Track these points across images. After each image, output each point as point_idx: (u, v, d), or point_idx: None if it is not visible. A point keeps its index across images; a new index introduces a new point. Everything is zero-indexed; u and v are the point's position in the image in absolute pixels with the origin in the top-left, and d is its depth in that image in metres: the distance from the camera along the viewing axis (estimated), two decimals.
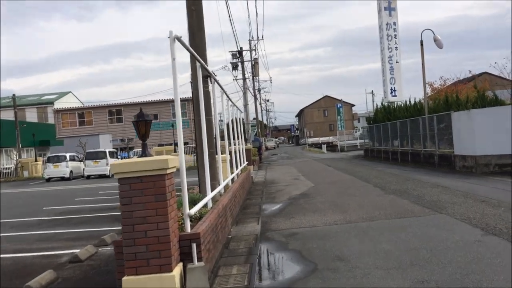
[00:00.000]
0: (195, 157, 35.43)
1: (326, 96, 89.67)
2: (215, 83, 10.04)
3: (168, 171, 4.97)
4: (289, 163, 32.07)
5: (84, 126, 58.12)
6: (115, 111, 57.85)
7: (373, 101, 78.75)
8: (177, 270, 5.00)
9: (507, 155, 15.67)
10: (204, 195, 7.56)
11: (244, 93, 34.93)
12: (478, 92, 17.33)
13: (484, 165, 16.05)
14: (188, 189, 11.51)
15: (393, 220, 8.16)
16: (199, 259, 5.31)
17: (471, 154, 16.49)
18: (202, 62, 7.44)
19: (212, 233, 6.35)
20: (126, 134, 55.87)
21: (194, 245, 5.25)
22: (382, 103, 32.07)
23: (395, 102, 30.58)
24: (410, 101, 26.10)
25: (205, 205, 7.37)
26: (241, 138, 19.09)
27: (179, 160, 5.67)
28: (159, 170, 4.87)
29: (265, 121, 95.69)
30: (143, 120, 5.06)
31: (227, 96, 11.61)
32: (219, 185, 8.92)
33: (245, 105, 35.18)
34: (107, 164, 31.00)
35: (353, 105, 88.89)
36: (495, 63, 33.69)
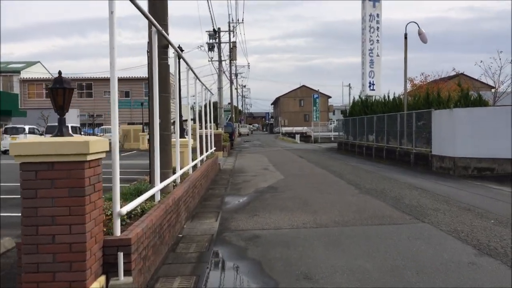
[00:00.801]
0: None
1: (303, 86, 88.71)
2: (178, 56, 8.80)
3: (90, 158, 3.74)
4: (261, 151, 31.00)
5: None
6: (85, 85, 55.46)
7: (349, 94, 78.49)
8: (95, 287, 3.81)
9: (487, 159, 14.95)
10: (153, 186, 6.37)
11: (219, 76, 33.52)
12: (462, 91, 16.53)
13: (463, 167, 15.30)
14: (141, 177, 10.29)
15: (370, 227, 7.12)
16: (128, 272, 4.13)
17: (450, 155, 15.72)
18: (159, 26, 6.18)
19: (153, 235, 5.17)
20: (96, 109, 53.95)
21: (121, 255, 4.06)
22: (360, 96, 31.20)
23: (373, 96, 29.76)
24: (389, 96, 25.32)
25: (152, 198, 6.17)
26: (211, 122, 17.86)
27: (112, 141, 4.45)
28: (77, 155, 3.64)
29: (240, 107, 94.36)
30: (61, 88, 3.77)
31: (193, 72, 10.33)
32: (173, 174, 7.69)
33: (219, 88, 33.81)
34: None
35: (330, 97, 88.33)
36: (481, 61, 31.99)
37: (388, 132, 22.77)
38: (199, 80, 12.22)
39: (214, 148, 18.29)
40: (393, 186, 11.85)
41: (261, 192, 11.35)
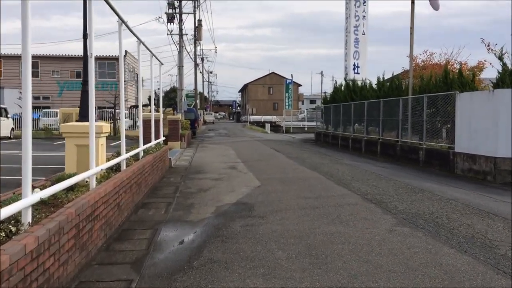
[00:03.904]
0: (111, 124, 28.54)
1: (272, 72, 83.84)
2: None
3: None
4: (227, 142, 26.18)
5: None
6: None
7: (321, 83, 74.80)
8: None
9: None
10: None
11: (180, 52, 28.29)
12: (503, 66, 12.17)
13: (508, 172, 10.99)
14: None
15: None
16: None
17: (488, 155, 11.37)
18: None
19: None
20: (42, 91, 47.97)
21: None
22: (345, 79, 26.72)
23: (360, 81, 25.26)
24: (383, 78, 20.83)
25: None
26: (156, 105, 13.01)
27: None
28: None
29: (206, 94, 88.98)
30: None
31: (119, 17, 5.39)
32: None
33: (180, 66, 28.63)
34: None
35: (300, 85, 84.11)
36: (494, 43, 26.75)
37: (384, 122, 18.36)
38: (131, 30, 7.25)
39: (163, 138, 13.40)
40: (443, 208, 7.28)
41: (226, 217, 6.60)
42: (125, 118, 32.22)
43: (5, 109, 27.14)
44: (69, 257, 4.00)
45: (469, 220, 6.43)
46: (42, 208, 4.45)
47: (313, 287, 3.88)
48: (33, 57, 46.20)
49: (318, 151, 20.36)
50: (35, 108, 41.63)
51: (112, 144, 16.23)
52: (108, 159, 7.39)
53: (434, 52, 28.06)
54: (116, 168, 7.38)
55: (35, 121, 34.85)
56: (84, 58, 6.34)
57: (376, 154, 18.46)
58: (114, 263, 4.59)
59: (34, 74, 48.53)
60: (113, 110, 30.05)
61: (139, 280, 4.10)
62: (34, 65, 48.78)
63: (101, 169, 5.76)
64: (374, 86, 21.73)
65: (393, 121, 17.50)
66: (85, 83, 6.35)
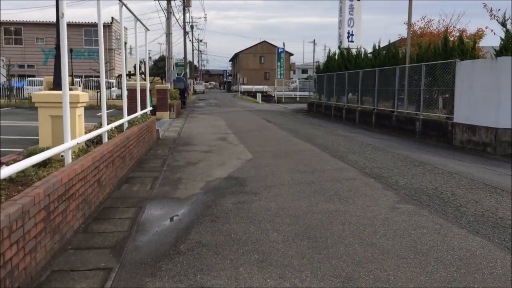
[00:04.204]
0: (98, 93, 27.77)
1: (264, 41, 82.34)
2: None
3: None
4: (218, 112, 25.57)
5: None
6: (13, 30, 47.24)
7: (314, 52, 73.68)
8: None
9: None
10: None
11: (168, 19, 27.26)
12: (507, 33, 11.62)
13: (509, 143, 10.62)
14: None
15: None
16: None
17: (488, 125, 10.98)
18: None
19: None
20: (26, 59, 46.56)
21: None
22: (339, 47, 26.01)
23: (356, 49, 24.54)
24: (379, 46, 20.17)
25: None
26: (142, 73, 12.34)
27: None
28: None
29: (196, 63, 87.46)
30: None
31: None
32: None
33: (168, 34, 27.65)
34: None
35: (292, 54, 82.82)
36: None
37: (380, 92, 17.85)
38: None
39: (151, 108, 12.82)
40: (447, 183, 6.87)
41: (216, 194, 6.14)
42: (113, 87, 31.44)
43: None
44: (37, 243, 3.53)
45: (476, 196, 6.03)
46: (9, 187, 3.97)
47: (315, 277, 3.45)
48: (16, 23, 44.53)
49: (311, 121, 19.88)
50: (19, 76, 40.67)
51: (99, 114, 15.61)
52: (89, 130, 6.88)
53: (433, 19, 27.34)
54: (98, 141, 6.87)
55: (19, 90, 33.86)
56: (57, 20, 5.70)
57: (370, 125, 18.03)
58: (91, 247, 4.12)
59: (18, 42, 47.03)
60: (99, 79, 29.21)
61: (119, 268, 3.65)
62: (18, 32, 47.22)
63: (77, 143, 5.22)
64: (369, 54, 21.12)
65: (388, 91, 17.00)
66: (58, 48, 5.73)
